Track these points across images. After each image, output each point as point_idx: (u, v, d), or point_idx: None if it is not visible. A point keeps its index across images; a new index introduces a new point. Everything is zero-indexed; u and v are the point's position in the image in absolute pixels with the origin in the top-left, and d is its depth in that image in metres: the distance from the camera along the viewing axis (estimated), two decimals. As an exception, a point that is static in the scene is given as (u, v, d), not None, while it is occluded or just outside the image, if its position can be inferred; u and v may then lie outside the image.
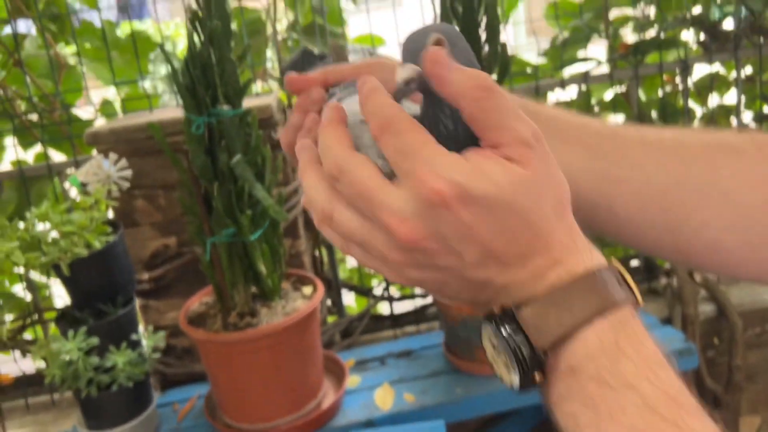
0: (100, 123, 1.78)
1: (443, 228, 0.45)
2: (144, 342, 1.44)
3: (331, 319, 1.91)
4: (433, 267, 0.47)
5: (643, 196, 0.61)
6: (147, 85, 2.09)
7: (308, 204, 0.51)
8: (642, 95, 2.06)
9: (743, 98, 2.03)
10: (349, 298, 2.03)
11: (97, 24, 1.75)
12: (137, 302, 1.65)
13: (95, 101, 1.85)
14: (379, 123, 0.47)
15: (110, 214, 1.55)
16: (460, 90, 0.46)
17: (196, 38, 1.27)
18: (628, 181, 0.62)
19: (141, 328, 1.55)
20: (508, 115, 0.46)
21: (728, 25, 1.96)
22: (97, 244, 1.37)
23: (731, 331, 1.87)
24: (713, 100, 2.08)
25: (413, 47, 0.47)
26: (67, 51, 1.84)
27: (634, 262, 2.05)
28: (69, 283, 1.41)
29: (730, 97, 2.11)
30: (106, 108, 1.86)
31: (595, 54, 2.01)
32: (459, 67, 0.46)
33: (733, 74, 2.06)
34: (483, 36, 1.36)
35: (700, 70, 2.05)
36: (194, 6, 1.26)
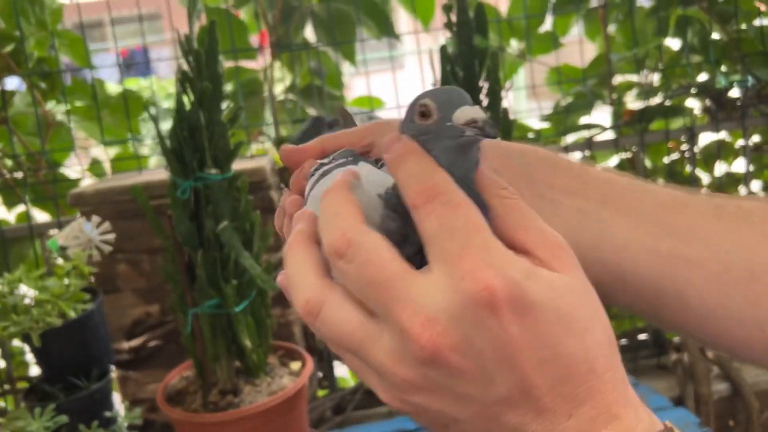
0: (87, 183, 1.72)
1: (481, 339, 0.35)
2: (119, 419, 1.34)
3: (321, 393, 1.80)
4: (448, 393, 0.37)
5: (724, 282, 0.48)
6: (139, 144, 2.04)
7: (290, 287, 0.40)
8: (648, 162, 2.00)
9: (751, 167, 1.98)
10: (341, 370, 1.93)
11: (99, 80, 1.71)
12: (115, 373, 1.55)
13: (86, 160, 1.79)
14: (422, 189, 0.37)
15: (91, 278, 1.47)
16: (488, 182, 0.39)
17: (186, 99, 1.22)
18: (704, 264, 0.48)
19: (118, 401, 1.45)
20: (535, 217, 0.39)
21: (734, 92, 1.93)
22: (73, 314, 1.29)
23: (747, 412, 1.76)
24: (720, 168, 2.03)
25: (468, 98, 0.39)
26: (59, 109, 1.80)
27: (642, 336, 1.96)
28: (40, 355, 1.32)
29: (738, 165, 2.06)
30: (94, 168, 1.81)
31: (599, 120, 1.97)
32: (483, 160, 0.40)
33: (740, 142, 2.02)
34: (484, 101, 1.31)
35: (706, 138, 2.00)
36: (184, 66, 1.22)
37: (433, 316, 0.35)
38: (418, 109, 0.39)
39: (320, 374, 1.82)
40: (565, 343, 0.36)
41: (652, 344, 1.93)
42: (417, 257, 0.38)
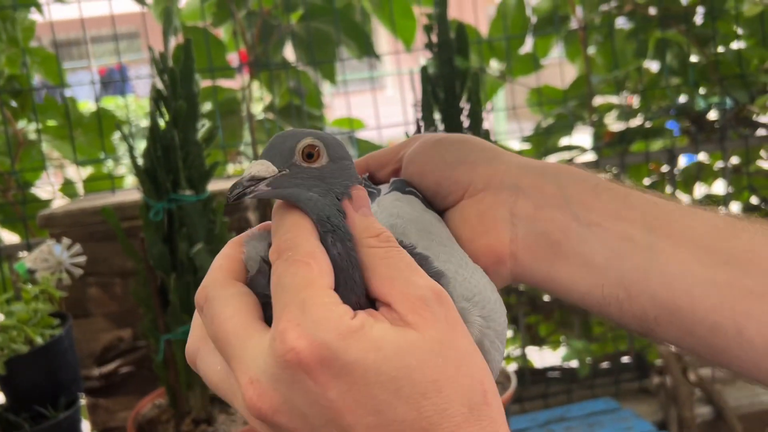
0: (57, 204, 1.68)
1: (301, 401, 0.34)
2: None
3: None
4: None
5: None
6: (115, 164, 2.00)
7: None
8: (628, 183, 2.00)
9: (730, 188, 1.99)
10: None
11: (72, 99, 1.67)
12: (85, 401, 1.50)
13: (59, 181, 1.75)
14: (275, 245, 0.37)
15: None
16: (356, 233, 0.37)
17: (160, 118, 1.19)
18: (766, 296, 0.43)
19: (88, 430, 1.39)
20: (404, 268, 0.36)
21: (713, 114, 1.94)
22: (40, 340, 1.24)
23: (730, 436, 1.75)
24: (700, 189, 2.03)
25: (280, 146, 0.37)
26: (31, 127, 1.76)
27: (625, 359, 1.94)
28: (5, 383, 1.27)
29: (716, 186, 2.07)
30: (67, 188, 1.76)
31: (580, 141, 1.97)
32: (362, 209, 0.38)
33: (719, 164, 2.02)
34: (465, 122, 1.29)
35: (686, 160, 2.01)
36: (159, 85, 1.19)
37: (255, 378, 0.34)
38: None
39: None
40: (393, 407, 0.33)
41: (634, 367, 1.92)
42: None
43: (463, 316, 0.37)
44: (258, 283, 0.38)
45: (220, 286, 0.38)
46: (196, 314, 0.40)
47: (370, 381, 0.33)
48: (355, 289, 0.36)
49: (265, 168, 0.36)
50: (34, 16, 1.71)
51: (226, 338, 0.36)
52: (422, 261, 0.39)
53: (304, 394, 0.34)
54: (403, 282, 0.36)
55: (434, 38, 1.30)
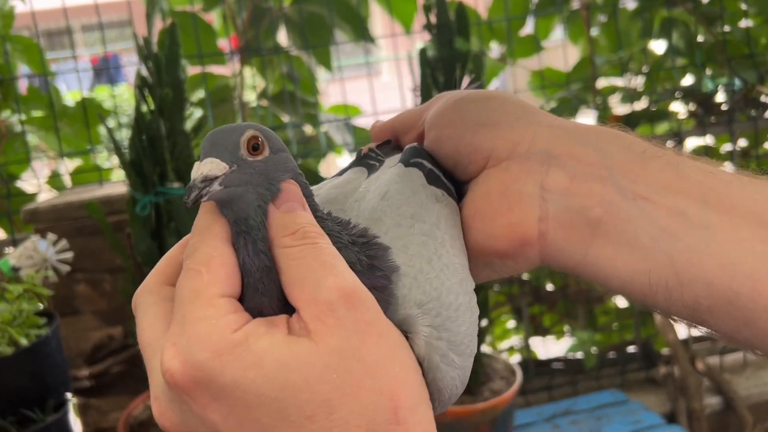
0: (43, 198, 1.62)
1: (193, 421, 0.32)
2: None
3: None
4: None
5: None
6: (106, 155, 1.94)
7: None
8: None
9: (738, 172, 1.93)
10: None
11: (56, 89, 1.61)
12: (75, 401, 1.45)
13: (47, 173, 1.69)
14: (186, 251, 0.35)
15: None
16: (272, 232, 0.34)
17: (145, 108, 1.13)
18: None
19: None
20: (318, 267, 0.32)
21: (720, 96, 1.88)
22: (25, 341, 1.19)
23: (740, 426, 1.71)
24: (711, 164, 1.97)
25: (224, 141, 0.34)
26: (14, 119, 1.69)
27: (631, 349, 1.89)
28: (-11, 386, 1.22)
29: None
30: (54, 181, 1.70)
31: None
32: (286, 204, 0.34)
33: (726, 147, 1.97)
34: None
35: (692, 142, 1.95)
36: (143, 72, 1.13)
37: (156, 395, 0.33)
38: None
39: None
40: (276, 430, 0.30)
41: (641, 357, 1.87)
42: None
43: (408, 324, 0.34)
44: None
45: (147, 292, 0.36)
46: None
47: (250, 403, 0.30)
48: (267, 294, 0.33)
49: (215, 166, 0.33)
50: (17, 6, 1.64)
51: (143, 349, 0.35)
52: (379, 252, 0.35)
53: (191, 414, 0.32)
54: (312, 284, 0.32)
55: (433, 19, 1.24)
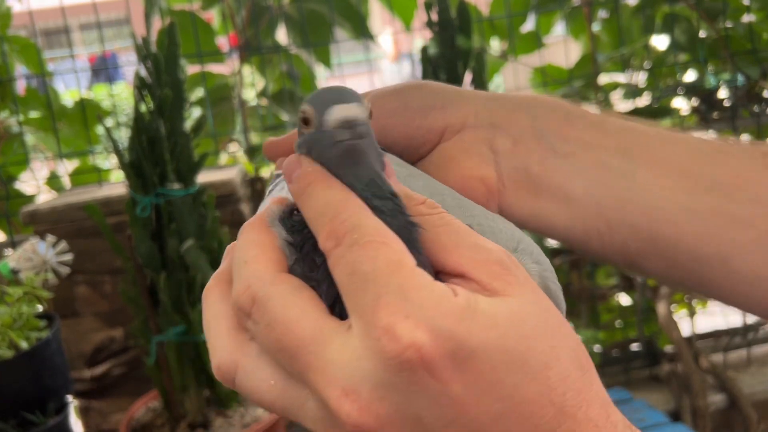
0: (42, 199, 1.61)
1: (418, 406, 0.28)
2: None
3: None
4: None
5: None
6: (105, 155, 1.92)
7: (208, 345, 0.33)
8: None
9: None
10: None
11: (53, 89, 1.60)
12: (76, 404, 1.44)
13: (45, 173, 1.68)
14: (329, 230, 0.30)
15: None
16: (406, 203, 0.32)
17: (144, 108, 1.12)
18: (752, 222, 0.41)
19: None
20: (466, 232, 0.31)
21: (722, 92, 1.87)
22: (25, 344, 1.18)
23: (745, 424, 1.70)
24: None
25: (353, 96, 0.31)
26: (12, 120, 1.68)
27: (634, 346, 1.88)
28: (-10, 389, 1.21)
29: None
30: (53, 182, 1.69)
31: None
32: (393, 178, 0.32)
33: (729, 143, 1.96)
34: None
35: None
36: (142, 72, 1.11)
37: (352, 388, 0.28)
38: (300, 116, 0.32)
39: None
40: (521, 387, 0.28)
41: (644, 354, 1.86)
42: (337, 307, 0.30)
43: None
44: (296, 272, 0.31)
45: (269, 283, 0.30)
46: (216, 318, 0.33)
47: (496, 363, 0.28)
48: (426, 265, 0.30)
49: (361, 111, 0.30)
50: (14, 5, 1.63)
51: (296, 347, 0.29)
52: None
53: (422, 396, 0.28)
54: (472, 248, 0.31)
55: (434, 16, 1.23)
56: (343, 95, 0.31)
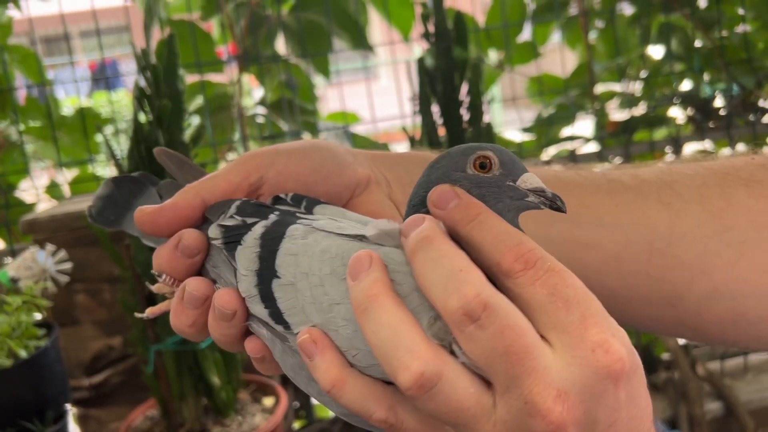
0: (41, 208, 1.62)
1: (600, 411, 0.34)
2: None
3: (298, 424, 1.71)
4: None
5: (623, 262, 0.46)
6: (104, 164, 1.93)
7: (383, 353, 0.34)
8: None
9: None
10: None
11: (54, 98, 1.61)
12: (75, 412, 1.45)
13: (45, 181, 1.69)
14: (518, 253, 0.34)
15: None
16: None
17: (143, 118, 1.13)
18: (599, 245, 0.46)
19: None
20: (590, 302, 0.36)
21: (718, 101, 1.88)
22: (24, 353, 1.18)
23: (741, 432, 1.70)
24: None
25: (517, 159, 0.38)
26: (12, 129, 1.69)
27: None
28: (-12, 398, 1.21)
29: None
30: (53, 190, 1.70)
31: (581, 130, 1.91)
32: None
33: (724, 151, 1.97)
34: (465, 115, 1.23)
35: (689, 147, 1.95)
36: (141, 82, 1.12)
37: (564, 391, 0.33)
38: (479, 160, 0.37)
39: (297, 404, 1.73)
40: (644, 397, 0.35)
41: (641, 362, 1.87)
42: None
43: None
44: None
45: (495, 293, 0.34)
46: (399, 325, 0.34)
47: (641, 379, 0.35)
48: None
49: (538, 181, 0.37)
50: (14, 14, 1.64)
51: (524, 352, 0.33)
52: None
53: (605, 402, 0.33)
54: (592, 306, 0.36)
55: (431, 28, 1.24)
56: (516, 161, 0.38)
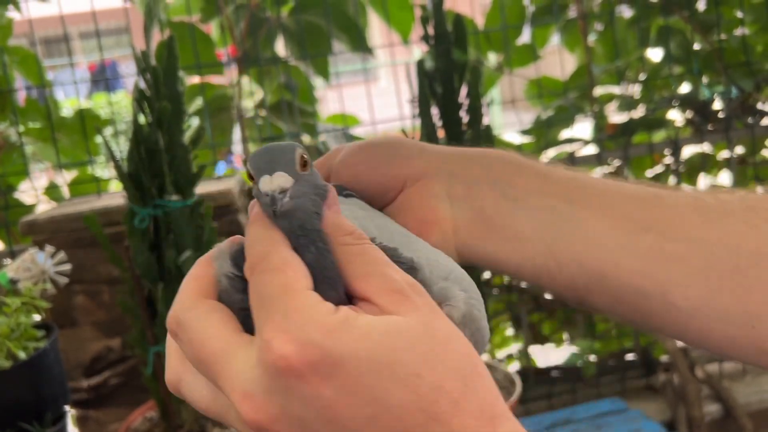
0: (41, 209, 1.62)
1: (298, 407, 0.33)
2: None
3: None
4: None
5: (709, 278, 0.45)
6: (103, 166, 1.94)
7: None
8: (631, 176, 1.95)
9: (736, 179, 1.93)
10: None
11: (53, 99, 1.61)
12: (74, 413, 1.45)
13: (44, 183, 1.69)
14: (250, 260, 0.36)
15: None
16: (330, 232, 0.37)
17: (143, 120, 1.13)
18: (687, 260, 0.45)
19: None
20: (379, 262, 0.37)
21: (716, 104, 1.88)
22: (23, 354, 1.18)
23: (740, 434, 1.70)
24: (704, 180, 1.98)
25: (283, 157, 0.38)
26: (12, 130, 1.69)
27: (630, 356, 1.89)
28: (-13, 400, 1.21)
29: (721, 177, 2.02)
30: (52, 192, 1.70)
31: (580, 133, 1.91)
32: (334, 207, 0.38)
33: (723, 154, 1.97)
34: (465, 118, 1.24)
35: (688, 150, 1.96)
36: (141, 84, 1.13)
37: (248, 392, 0.34)
38: (247, 170, 0.39)
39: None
40: (390, 393, 0.33)
41: (640, 364, 1.87)
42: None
43: (446, 293, 0.39)
44: (233, 299, 0.38)
45: (191, 308, 0.37)
46: (169, 341, 0.39)
47: (363, 371, 0.32)
48: (335, 288, 0.36)
49: (285, 179, 0.37)
50: (14, 15, 1.64)
51: (210, 359, 0.35)
52: (391, 252, 0.39)
53: (299, 399, 0.33)
54: (380, 276, 0.36)
55: (431, 30, 1.24)
56: (274, 161, 0.37)
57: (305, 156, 0.38)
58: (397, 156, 0.51)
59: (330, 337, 0.33)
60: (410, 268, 0.39)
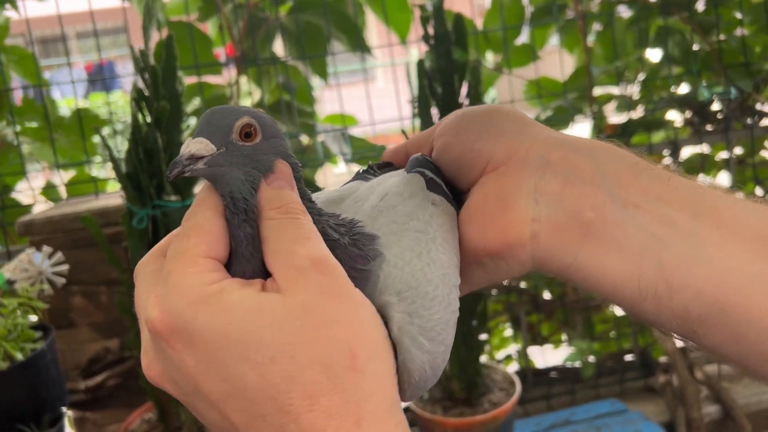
0: (38, 210, 1.61)
1: (171, 369, 0.35)
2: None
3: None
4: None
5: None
6: (101, 166, 1.93)
7: None
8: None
9: (735, 180, 1.93)
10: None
11: (51, 99, 1.60)
12: (71, 415, 1.44)
13: (41, 183, 1.68)
14: (183, 220, 0.38)
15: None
16: (261, 205, 0.37)
17: (141, 119, 1.12)
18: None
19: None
20: (293, 237, 0.35)
21: (715, 105, 1.88)
22: (20, 356, 1.17)
23: (739, 435, 1.70)
24: (703, 181, 1.97)
25: (218, 123, 0.37)
26: (9, 130, 1.68)
27: (629, 357, 1.89)
28: (-16, 401, 1.20)
29: (720, 178, 2.02)
30: (49, 192, 1.69)
31: (579, 133, 1.91)
32: (277, 182, 0.37)
33: (722, 155, 1.97)
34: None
35: (687, 150, 1.95)
36: (140, 84, 1.12)
37: (145, 348, 0.37)
38: None
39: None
40: (240, 373, 0.32)
41: (639, 365, 1.87)
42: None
43: (385, 310, 0.37)
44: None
45: (145, 264, 0.39)
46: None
47: (217, 346, 0.32)
48: (252, 262, 0.36)
49: (203, 146, 0.36)
50: (11, 15, 1.64)
51: (138, 312, 0.38)
52: (363, 238, 0.38)
53: (170, 362, 0.34)
54: (285, 252, 0.35)
55: (431, 30, 1.24)
56: (210, 124, 0.37)
57: (253, 125, 0.37)
58: (488, 131, 0.44)
59: (191, 308, 0.33)
60: (364, 258, 0.38)
